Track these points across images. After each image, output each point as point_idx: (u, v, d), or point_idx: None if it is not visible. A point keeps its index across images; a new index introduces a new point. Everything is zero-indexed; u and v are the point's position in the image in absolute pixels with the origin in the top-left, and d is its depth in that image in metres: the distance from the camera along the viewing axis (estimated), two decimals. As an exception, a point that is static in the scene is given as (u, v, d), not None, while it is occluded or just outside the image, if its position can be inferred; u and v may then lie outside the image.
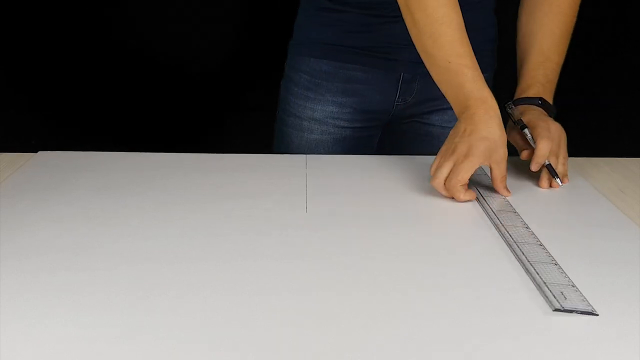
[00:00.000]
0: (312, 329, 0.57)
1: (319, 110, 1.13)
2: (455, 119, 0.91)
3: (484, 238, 0.75)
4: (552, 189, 0.91)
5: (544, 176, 0.91)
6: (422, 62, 1.01)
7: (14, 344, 0.54)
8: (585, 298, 0.61)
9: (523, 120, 0.94)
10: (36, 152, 1.02)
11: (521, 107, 0.97)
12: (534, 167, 0.91)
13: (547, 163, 0.91)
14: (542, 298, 0.62)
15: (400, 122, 1.17)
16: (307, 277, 0.66)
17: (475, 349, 0.54)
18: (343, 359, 0.53)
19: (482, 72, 0.89)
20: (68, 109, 1.89)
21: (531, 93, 0.98)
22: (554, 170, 0.90)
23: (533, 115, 0.95)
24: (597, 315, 0.59)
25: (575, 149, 1.10)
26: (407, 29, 0.96)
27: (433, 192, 0.88)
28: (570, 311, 0.59)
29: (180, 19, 1.49)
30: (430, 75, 0.96)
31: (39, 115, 1.86)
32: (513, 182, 0.92)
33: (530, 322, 0.58)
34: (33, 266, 0.67)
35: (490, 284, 0.65)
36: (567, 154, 0.93)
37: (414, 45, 0.93)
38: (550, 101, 0.99)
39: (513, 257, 0.71)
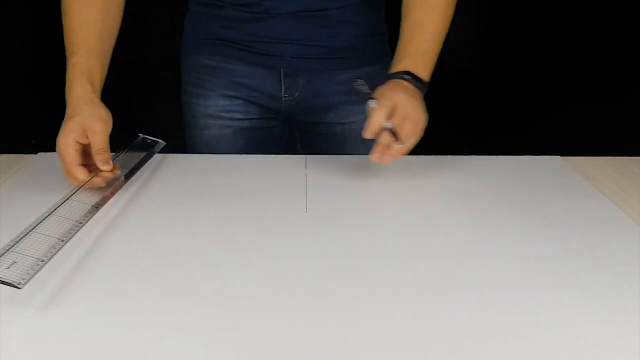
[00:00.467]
0: (312, 328, 0.57)
1: (210, 105, 1.13)
2: (353, 114, 1.00)
3: (485, 238, 0.75)
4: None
5: (377, 148, 0.87)
6: (302, 57, 1.06)
7: (14, 344, 0.54)
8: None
9: (374, 96, 0.91)
10: (36, 153, 1.02)
11: (390, 83, 0.93)
12: (367, 134, 0.87)
13: (389, 126, 0.86)
14: (542, 297, 0.62)
15: (304, 121, 1.16)
16: (307, 277, 0.66)
17: (476, 349, 0.54)
18: (343, 358, 0.53)
19: None
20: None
21: (399, 67, 0.95)
22: (396, 134, 0.86)
23: (387, 88, 0.91)
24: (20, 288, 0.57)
25: (576, 148, 1.10)
26: (285, 24, 0.99)
27: (433, 191, 0.88)
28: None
29: (181, 20, 1.49)
30: (315, 70, 1.03)
31: (39, 116, 1.86)
32: (513, 181, 0.92)
33: (530, 322, 0.58)
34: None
35: (490, 283, 0.65)
36: (414, 129, 0.88)
37: (293, 41, 0.92)
38: (424, 73, 0.95)
39: (513, 256, 0.70)
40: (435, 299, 0.62)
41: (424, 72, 0.95)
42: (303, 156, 1.03)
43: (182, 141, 1.02)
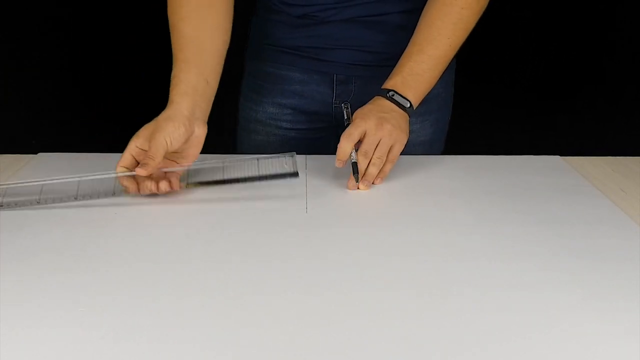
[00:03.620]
0: (313, 328, 0.57)
1: (260, 111, 1.14)
2: None
3: (484, 237, 0.75)
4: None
5: (352, 176, 0.88)
6: (356, 64, 1.06)
7: (14, 344, 0.54)
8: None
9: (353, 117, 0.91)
10: (36, 153, 1.02)
11: (372, 101, 0.93)
12: (337, 163, 0.88)
13: (352, 160, 0.87)
14: (542, 297, 0.62)
15: None
16: (307, 277, 0.66)
17: (476, 348, 0.54)
18: (343, 359, 0.53)
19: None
20: (68, 110, 1.89)
21: (389, 84, 0.94)
22: (357, 168, 0.87)
23: (366, 109, 0.91)
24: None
25: (576, 148, 1.10)
26: (340, 29, 0.99)
27: (433, 191, 0.88)
28: None
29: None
30: (367, 77, 1.00)
31: (40, 116, 1.87)
32: (513, 180, 0.92)
33: (530, 321, 0.58)
34: (33, 267, 0.67)
35: (490, 283, 0.65)
36: (384, 155, 0.89)
37: (347, 47, 0.92)
38: (413, 96, 0.93)
39: (513, 256, 0.71)
40: (435, 298, 0.62)
41: (414, 94, 0.93)
42: (303, 156, 1.03)
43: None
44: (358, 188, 0.88)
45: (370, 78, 1.07)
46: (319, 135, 1.17)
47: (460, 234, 0.76)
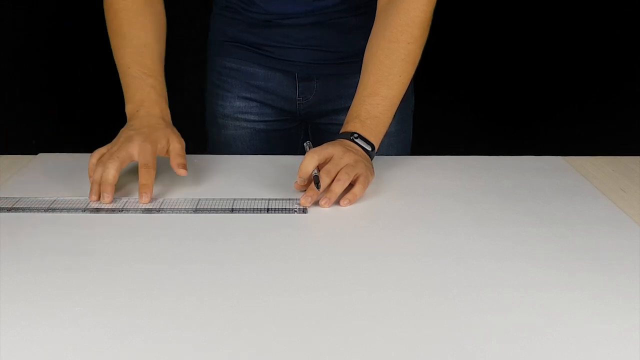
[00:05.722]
0: (312, 329, 0.57)
1: (227, 106, 1.15)
2: None
3: (485, 237, 0.75)
4: (338, 206, 0.83)
5: (308, 192, 0.83)
6: (316, 63, 1.08)
7: (14, 344, 0.54)
8: None
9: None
10: (36, 153, 1.02)
11: (337, 141, 0.90)
12: (295, 184, 0.86)
13: (315, 174, 0.82)
14: (543, 297, 0.62)
15: (318, 122, 1.18)
16: (307, 277, 0.66)
17: (476, 349, 0.54)
18: (343, 358, 0.53)
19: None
20: (68, 111, 1.89)
21: (348, 128, 0.91)
22: (318, 180, 0.81)
23: (332, 142, 0.89)
24: None
25: (576, 148, 1.10)
26: (300, 31, 1.01)
27: (433, 191, 0.88)
28: None
29: (181, 21, 1.49)
30: (328, 75, 1.01)
31: (40, 117, 1.86)
32: (513, 181, 0.92)
33: (531, 322, 0.58)
34: (33, 267, 0.67)
35: (490, 283, 0.65)
36: (349, 176, 0.83)
37: (307, 47, 0.92)
38: (373, 138, 0.91)
39: (513, 256, 0.71)
40: (435, 298, 0.62)
41: (374, 136, 0.91)
42: (303, 157, 1.03)
43: (193, 140, 1.02)
44: (320, 204, 0.82)
45: (331, 76, 1.11)
46: (287, 127, 1.18)
47: (460, 234, 0.76)
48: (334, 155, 0.85)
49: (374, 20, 1.01)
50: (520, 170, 0.97)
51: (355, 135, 0.90)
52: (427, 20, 0.92)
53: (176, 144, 0.89)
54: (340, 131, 0.92)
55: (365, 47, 0.96)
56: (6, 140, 1.20)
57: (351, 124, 0.92)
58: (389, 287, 0.64)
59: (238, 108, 1.15)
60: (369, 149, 0.90)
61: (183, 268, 0.67)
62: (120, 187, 0.87)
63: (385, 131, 0.94)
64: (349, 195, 0.84)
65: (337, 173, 0.83)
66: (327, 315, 0.59)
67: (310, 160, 0.83)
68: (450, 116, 1.97)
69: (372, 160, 0.90)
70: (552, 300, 0.62)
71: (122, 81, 0.95)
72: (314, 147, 0.87)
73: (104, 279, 0.65)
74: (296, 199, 0.85)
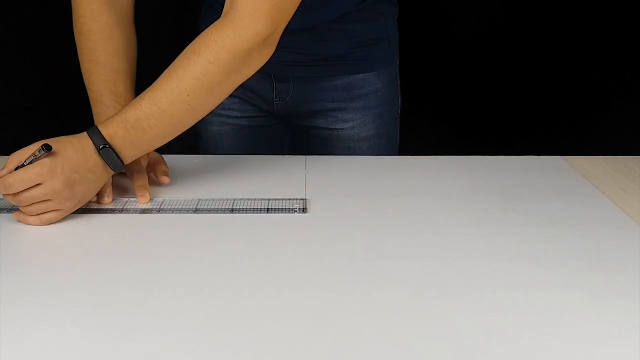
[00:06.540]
0: (312, 328, 0.57)
1: None
2: (341, 121, 1.05)
3: (485, 237, 0.75)
4: None
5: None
6: (291, 65, 1.08)
7: (14, 344, 0.54)
8: None
9: None
10: (36, 153, 1.02)
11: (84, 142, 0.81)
12: None
13: (27, 162, 0.76)
14: (543, 297, 0.62)
15: (300, 124, 1.18)
16: (307, 277, 0.66)
17: (475, 349, 0.54)
18: (343, 358, 0.53)
19: None
20: (68, 111, 1.89)
21: (107, 130, 0.79)
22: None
23: (68, 161, 0.78)
24: None
25: (576, 148, 1.10)
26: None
27: (433, 191, 0.88)
28: None
29: (180, 21, 1.50)
30: (304, 76, 1.02)
31: (39, 117, 1.86)
32: (513, 181, 0.92)
33: (531, 322, 0.58)
34: (33, 267, 0.67)
35: (490, 283, 0.65)
36: (33, 200, 0.75)
37: (284, 49, 0.92)
38: (128, 154, 0.80)
39: (513, 256, 0.71)
40: (435, 298, 0.62)
41: (132, 154, 0.81)
42: (303, 156, 1.03)
43: (181, 142, 1.03)
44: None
45: (306, 78, 1.11)
46: (270, 124, 1.19)
47: (460, 234, 0.76)
48: (45, 185, 0.75)
49: (353, 24, 1.01)
50: (520, 170, 0.97)
51: (107, 148, 0.78)
52: (243, 51, 0.80)
53: (155, 155, 0.92)
54: (100, 124, 0.80)
55: (343, 51, 0.96)
56: (6, 140, 1.20)
57: (112, 127, 0.79)
58: (389, 287, 0.64)
59: (221, 104, 1.13)
60: (116, 168, 0.80)
61: (183, 268, 0.67)
62: (120, 187, 0.87)
63: (149, 150, 0.84)
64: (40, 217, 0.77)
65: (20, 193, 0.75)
66: (327, 315, 0.59)
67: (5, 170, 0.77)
68: (450, 116, 1.97)
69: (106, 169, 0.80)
70: (552, 300, 0.62)
71: (93, 107, 0.95)
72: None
73: (104, 279, 0.65)
74: (296, 199, 0.85)
